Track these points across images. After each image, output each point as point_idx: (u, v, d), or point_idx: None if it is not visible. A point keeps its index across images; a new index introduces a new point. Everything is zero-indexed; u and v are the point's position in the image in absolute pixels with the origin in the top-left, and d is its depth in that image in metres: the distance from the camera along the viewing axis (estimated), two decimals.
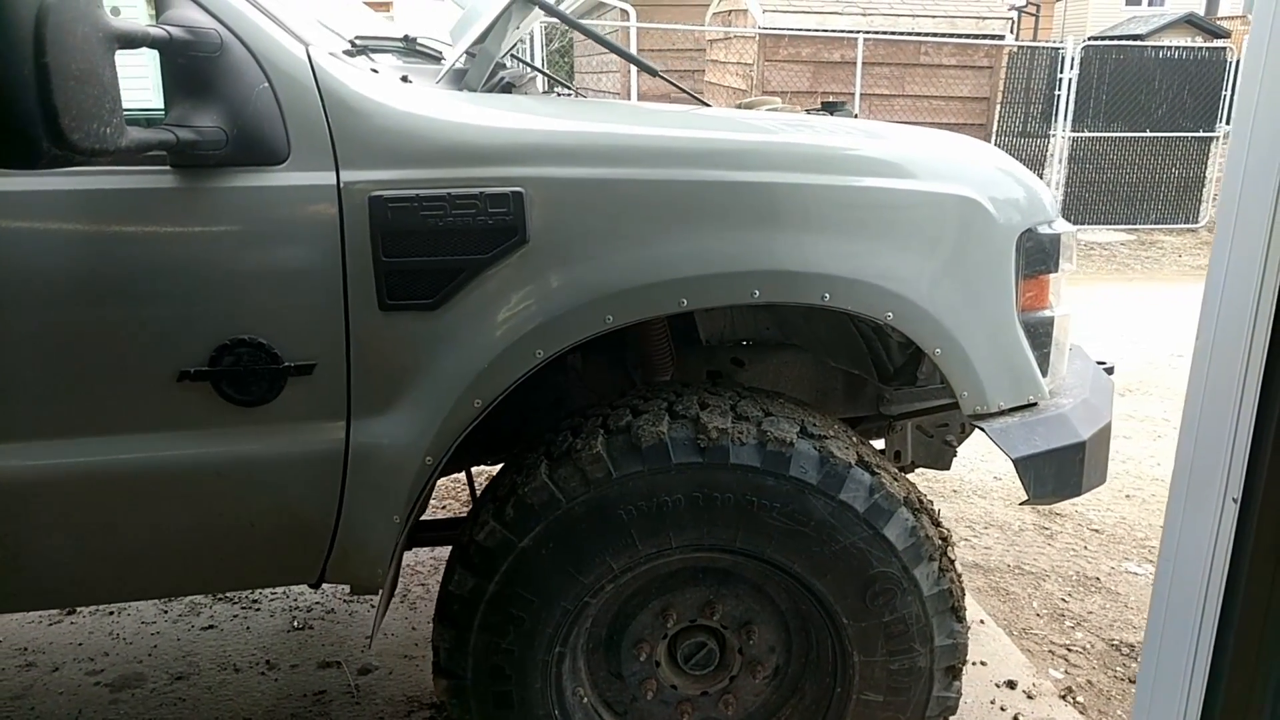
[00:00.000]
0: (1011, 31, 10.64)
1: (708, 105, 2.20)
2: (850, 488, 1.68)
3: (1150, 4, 25.52)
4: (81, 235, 1.51)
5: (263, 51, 1.51)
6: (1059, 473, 1.82)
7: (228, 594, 3.06)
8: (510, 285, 1.59)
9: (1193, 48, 11.18)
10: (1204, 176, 10.84)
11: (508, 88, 1.93)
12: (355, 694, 2.56)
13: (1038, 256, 1.83)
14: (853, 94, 9.20)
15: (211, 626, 2.88)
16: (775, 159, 1.65)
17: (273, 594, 3.07)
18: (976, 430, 2.22)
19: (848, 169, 1.69)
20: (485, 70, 1.74)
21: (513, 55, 2.70)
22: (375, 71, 1.66)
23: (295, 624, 2.90)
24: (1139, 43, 12.96)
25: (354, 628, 2.89)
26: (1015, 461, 1.76)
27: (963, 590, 1.82)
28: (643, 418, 1.70)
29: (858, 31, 9.25)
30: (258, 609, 2.99)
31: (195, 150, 1.46)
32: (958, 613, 1.79)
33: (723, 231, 1.62)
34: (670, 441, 1.66)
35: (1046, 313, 1.88)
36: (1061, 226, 1.89)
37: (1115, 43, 12.38)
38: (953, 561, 1.80)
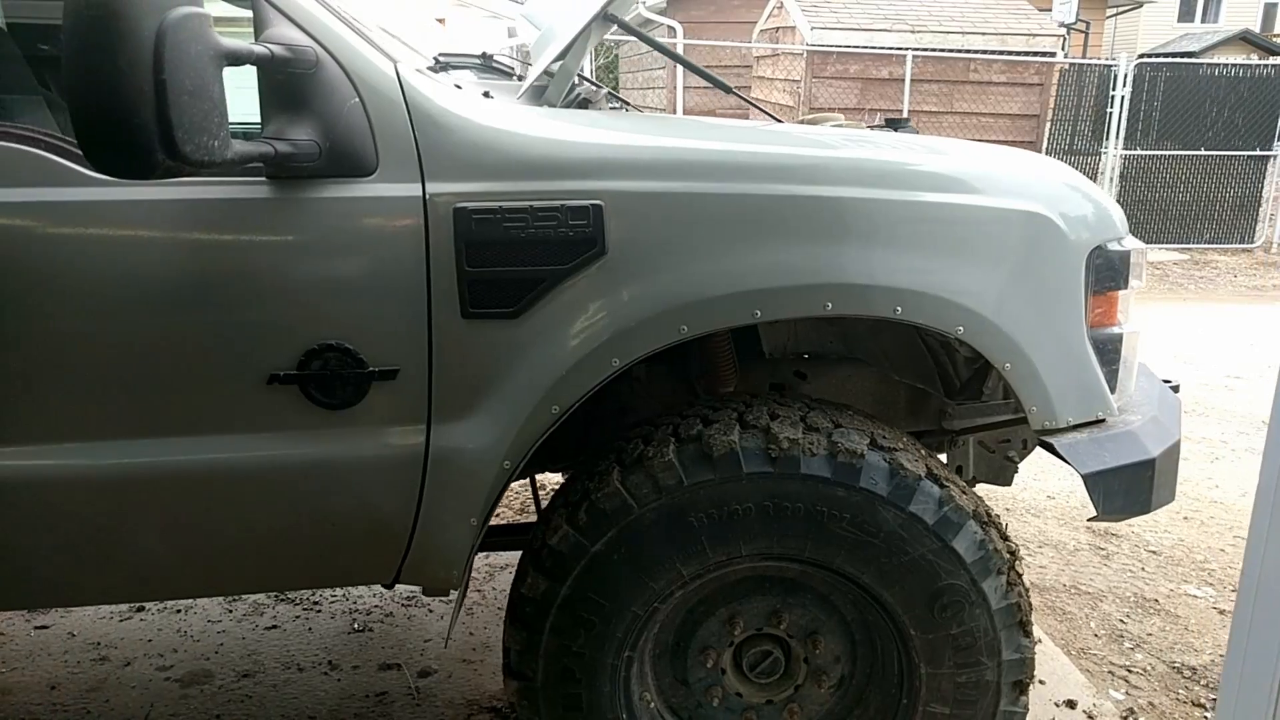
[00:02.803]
0: (1062, 49, 10.55)
1: (780, 121, 2.23)
2: (920, 500, 1.69)
3: (1203, 21, 25.16)
4: (182, 242, 1.58)
5: (354, 68, 1.57)
6: (1129, 490, 1.82)
7: (289, 595, 3.13)
8: (588, 295, 1.63)
9: (1250, 65, 10.99)
10: (1260, 196, 10.64)
11: (584, 103, 1.98)
12: (416, 696, 2.61)
13: (1107, 273, 1.83)
14: (900, 111, 9.19)
15: (274, 626, 2.95)
16: (850, 174, 1.68)
17: (332, 596, 3.13)
18: (1034, 448, 2.23)
19: (921, 184, 1.71)
20: (565, 86, 1.79)
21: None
22: (459, 87, 1.71)
23: (355, 626, 2.96)
24: (1193, 60, 12.77)
25: (412, 631, 2.94)
26: (1085, 477, 1.76)
27: (1030, 605, 1.82)
28: (714, 427, 1.73)
29: (906, 48, 9.24)
30: (318, 610, 3.05)
31: (291, 162, 1.52)
32: (1025, 627, 1.79)
33: (796, 245, 1.64)
34: (741, 451, 1.68)
35: (1115, 329, 1.88)
36: (1131, 244, 1.90)
37: (1169, 60, 12.22)
38: (1020, 575, 1.80)
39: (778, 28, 10.35)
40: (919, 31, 9.38)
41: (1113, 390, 1.87)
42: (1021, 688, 1.82)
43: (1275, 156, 10.53)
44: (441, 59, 1.82)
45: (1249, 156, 10.51)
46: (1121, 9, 21.69)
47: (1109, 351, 1.86)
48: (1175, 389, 2.31)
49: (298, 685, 2.66)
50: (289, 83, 1.54)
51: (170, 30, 1.24)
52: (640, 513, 1.70)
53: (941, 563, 1.71)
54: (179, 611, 3.03)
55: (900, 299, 1.67)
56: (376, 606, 3.07)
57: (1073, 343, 1.79)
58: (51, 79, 3.06)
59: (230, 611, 3.04)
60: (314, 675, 2.71)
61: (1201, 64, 11.24)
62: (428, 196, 1.59)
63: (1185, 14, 25.37)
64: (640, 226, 1.62)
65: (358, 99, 1.57)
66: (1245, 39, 21.03)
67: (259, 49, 1.45)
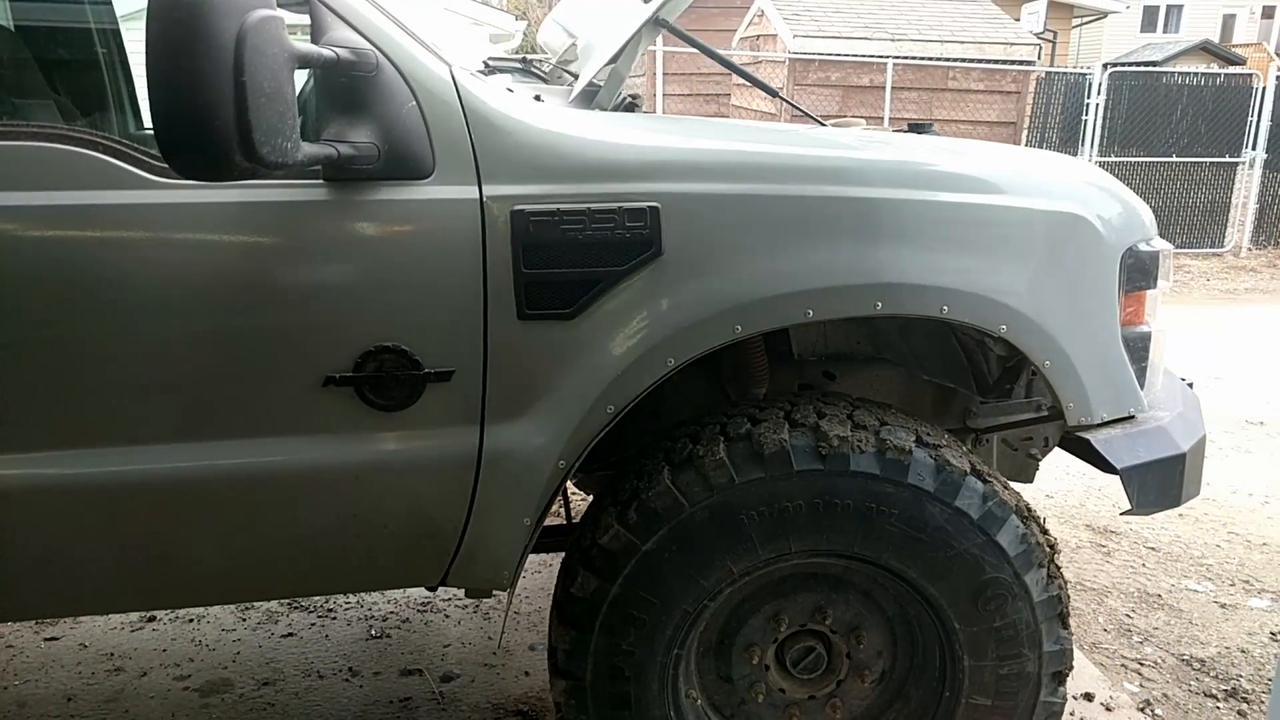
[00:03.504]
0: (1040, 58, 10.74)
1: (823, 125, 2.26)
2: (965, 495, 1.73)
3: (1165, 31, 25.72)
4: (238, 245, 1.58)
5: (411, 72, 1.58)
6: (1161, 483, 1.87)
7: (303, 603, 3.11)
8: (644, 296, 1.64)
9: (1217, 73, 11.25)
10: (1229, 202, 10.89)
11: (630, 107, 2.00)
12: (441, 700, 2.61)
13: (1138, 273, 1.89)
14: (881, 118, 9.31)
15: (291, 634, 2.93)
16: (900, 176, 1.72)
17: (347, 603, 3.12)
18: (1054, 445, 2.28)
19: (966, 187, 1.75)
20: (616, 90, 1.82)
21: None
22: (511, 91, 1.73)
23: (373, 632, 2.95)
24: (1161, 68, 13.04)
25: (430, 636, 2.93)
26: (1121, 472, 1.81)
27: (1069, 597, 1.86)
28: (763, 426, 1.75)
29: (887, 56, 9.37)
30: (334, 617, 3.04)
31: (352, 165, 1.53)
32: (1064, 619, 1.83)
33: (848, 245, 1.68)
34: (792, 449, 1.71)
35: (1144, 328, 1.93)
36: (1160, 244, 1.95)
37: (1140, 69, 12.47)
38: (1060, 569, 1.85)
39: (758, 35, 10.45)
40: (899, 40, 9.52)
41: (1142, 387, 1.92)
42: (1060, 678, 1.86)
43: (1244, 163, 10.78)
44: (490, 63, 1.83)
45: (1219, 163, 10.75)
46: (1086, 19, 22.09)
47: (1139, 349, 1.91)
48: (1190, 385, 2.37)
49: (320, 692, 2.65)
50: (349, 86, 1.54)
51: (250, 32, 1.24)
52: (692, 511, 1.72)
53: (986, 556, 1.75)
54: (191, 621, 3.00)
55: (947, 298, 1.70)
56: (392, 613, 3.06)
57: (1108, 341, 1.84)
58: (61, 84, 3.03)
59: (244, 620, 3.01)
60: (335, 682, 2.69)
61: (1174, 72, 11.50)
62: (484, 199, 1.60)
63: (1148, 25, 25.95)
64: (696, 228, 1.64)
65: (414, 102, 1.58)
66: (1205, 49, 21.50)
67: (326, 52, 1.46)
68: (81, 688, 2.66)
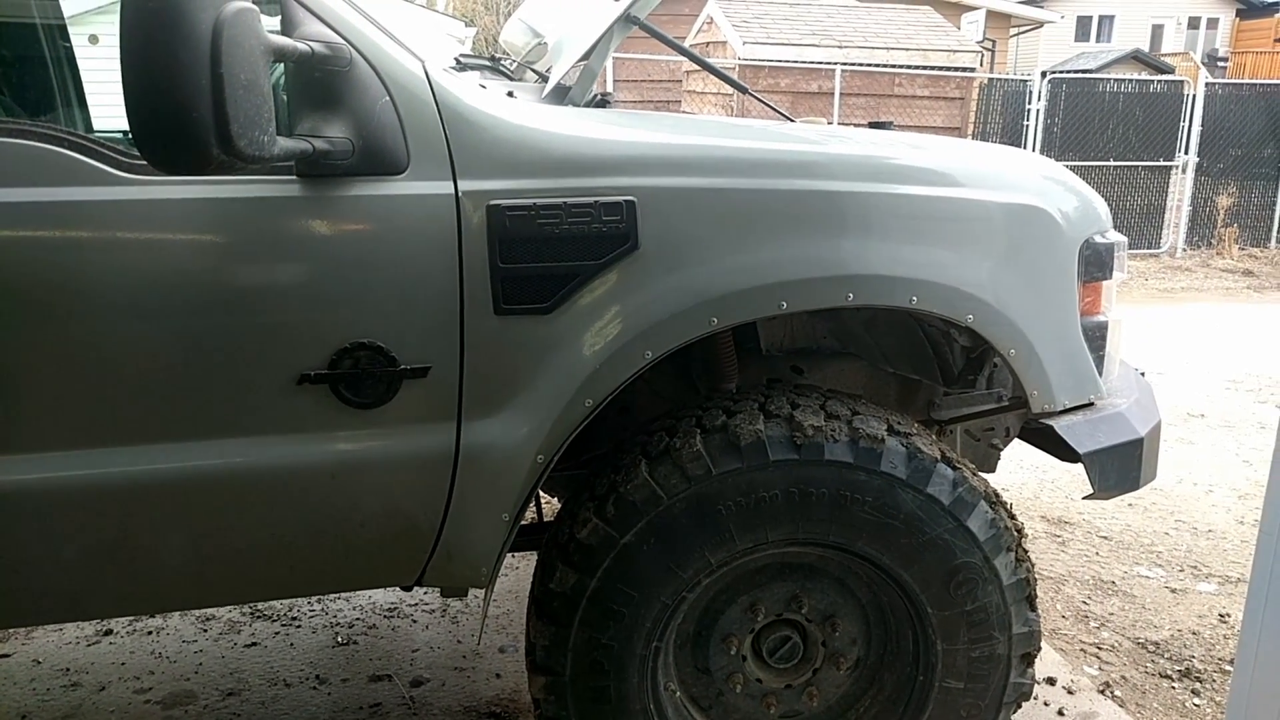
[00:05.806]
0: (983, 65, 10.99)
1: (791, 120, 2.30)
2: (936, 482, 1.77)
3: (1098, 40, 26.49)
4: (209, 242, 1.56)
5: (384, 67, 1.58)
6: (1120, 467, 1.93)
7: (266, 612, 3.06)
8: (621, 289, 1.66)
9: (1151, 80, 11.62)
10: (1164, 204, 11.24)
11: (603, 103, 2.01)
12: (412, 705, 2.58)
13: (1095, 264, 1.95)
14: (832, 124, 9.45)
15: (254, 644, 2.88)
16: (870, 170, 1.76)
17: (310, 611, 3.07)
18: (1015, 435, 2.34)
19: (934, 181, 1.79)
20: (588, 86, 1.83)
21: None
22: (484, 87, 1.73)
23: (339, 639, 2.91)
24: (1096, 75, 13.42)
25: (398, 642, 2.90)
26: (1084, 456, 1.86)
27: (1036, 580, 1.91)
28: (738, 417, 1.77)
29: (835, 63, 9.52)
30: (298, 626, 2.99)
31: (326, 160, 1.52)
32: (1032, 602, 1.88)
33: (821, 238, 1.71)
34: (768, 439, 1.73)
35: (1101, 318, 1.99)
36: (1114, 236, 2.02)
37: (1076, 75, 12.82)
38: (1027, 552, 1.89)
39: (708, 43, 10.54)
40: (846, 47, 9.67)
41: (1100, 375, 1.98)
42: (1029, 660, 1.91)
43: (1176, 167, 11.14)
44: (461, 59, 1.83)
45: (1154, 167, 11.10)
46: (1023, 29, 22.65)
47: (1097, 338, 1.97)
48: (1143, 374, 2.45)
49: (287, 701, 2.61)
50: (323, 81, 1.54)
51: (227, 24, 1.23)
52: (669, 503, 1.73)
53: (957, 541, 1.79)
54: (150, 633, 2.94)
55: (916, 289, 1.74)
56: (358, 619, 3.02)
57: (1068, 330, 1.89)
58: (4, 83, 2.95)
59: (205, 631, 2.95)
60: (302, 690, 2.65)
61: (1109, 79, 11.83)
62: (460, 194, 1.60)
63: (1081, 34, 26.71)
64: (672, 222, 1.66)
65: (388, 97, 1.58)
66: (1136, 58, 22.17)
67: (301, 46, 1.44)
68: (37, 705, 2.58)
